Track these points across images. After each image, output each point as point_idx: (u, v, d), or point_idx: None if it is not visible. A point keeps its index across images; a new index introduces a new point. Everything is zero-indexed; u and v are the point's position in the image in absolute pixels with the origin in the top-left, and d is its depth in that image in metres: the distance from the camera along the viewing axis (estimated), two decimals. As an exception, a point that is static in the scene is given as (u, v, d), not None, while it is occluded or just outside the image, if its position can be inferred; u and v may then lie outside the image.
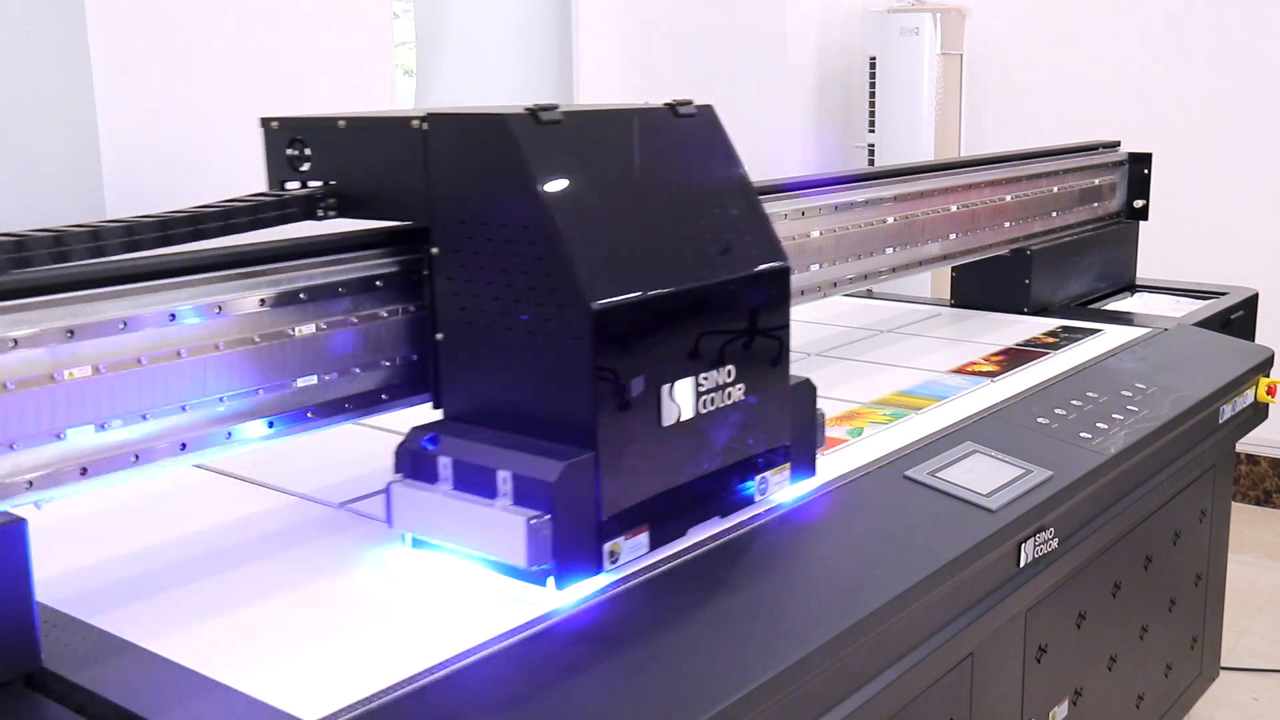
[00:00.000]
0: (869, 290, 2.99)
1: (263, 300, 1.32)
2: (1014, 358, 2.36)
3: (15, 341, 1.12)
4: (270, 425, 1.35)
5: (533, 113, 1.34)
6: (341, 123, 1.49)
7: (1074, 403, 2.05)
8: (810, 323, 2.39)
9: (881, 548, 1.51)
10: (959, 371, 2.26)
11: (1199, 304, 2.91)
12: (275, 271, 1.34)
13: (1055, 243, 2.81)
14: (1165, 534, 2.33)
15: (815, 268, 2.16)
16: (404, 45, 4.09)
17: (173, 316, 1.25)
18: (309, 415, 1.38)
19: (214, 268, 1.30)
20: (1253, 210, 4.28)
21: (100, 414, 1.20)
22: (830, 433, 1.84)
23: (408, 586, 1.34)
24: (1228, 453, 2.64)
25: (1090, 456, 1.87)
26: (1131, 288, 3.13)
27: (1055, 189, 2.84)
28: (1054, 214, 2.85)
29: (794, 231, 2.09)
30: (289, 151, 1.54)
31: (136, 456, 1.24)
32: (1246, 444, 3.88)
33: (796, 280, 2.06)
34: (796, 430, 1.56)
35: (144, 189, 2.72)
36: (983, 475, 1.72)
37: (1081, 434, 1.93)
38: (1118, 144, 3.15)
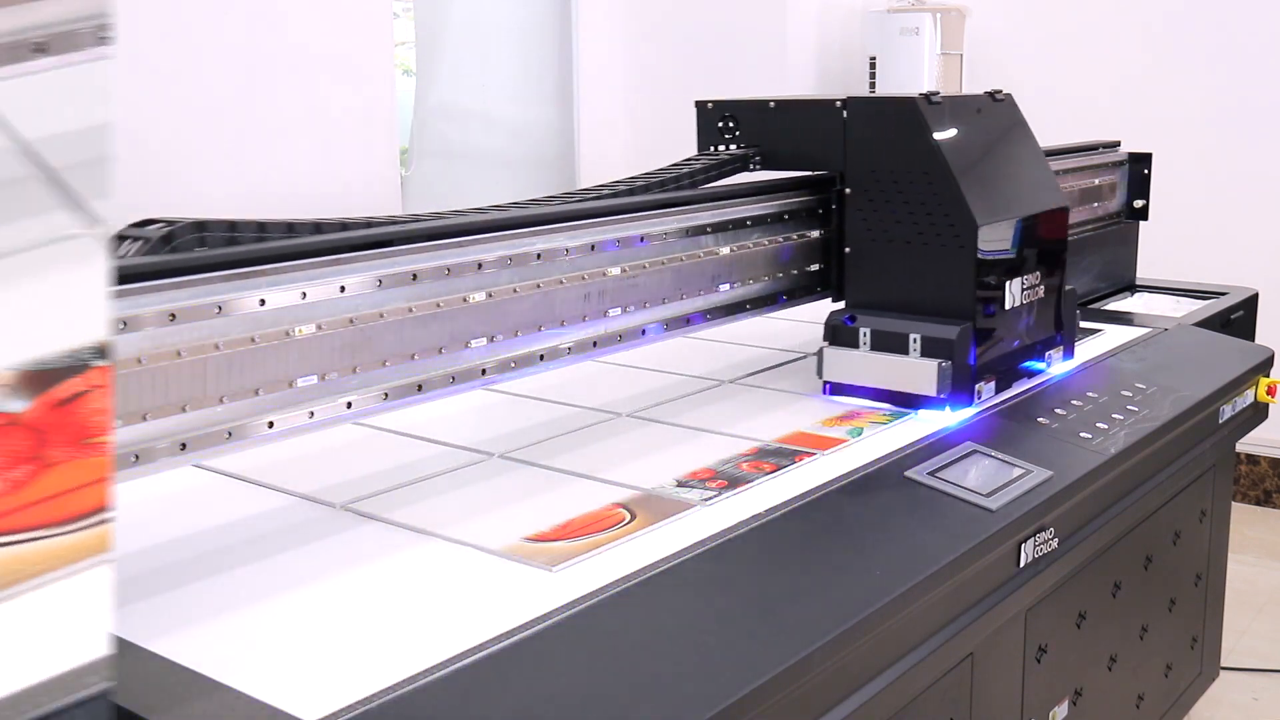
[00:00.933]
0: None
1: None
2: (1014, 358, 2.36)
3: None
4: (748, 307, 2.03)
5: (925, 97, 1.98)
6: (771, 104, 2.16)
7: (1074, 403, 2.05)
8: (809, 322, 2.39)
9: (881, 548, 1.51)
10: (959, 371, 2.27)
11: (1199, 304, 2.91)
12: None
13: (1055, 243, 2.81)
14: (1165, 534, 2.33)
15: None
16: (404, 45, 4.09)
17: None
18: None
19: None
20: (1253, 210, 4.28)
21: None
22: (829, 433, 1.85)
23: (407, 586, 1.34)
24: (1228, 453, 2.64)
25: (1090, 456, 1.87)
26: (1131, 288, 3.13)
27: (1055, 189, 2.83)
28: (1054, 214, 2.84)
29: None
30: (720, 124, 2.22)
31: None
32: (1246, 444, 3.88)
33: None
34: (1066, 324, 2.19)
35: (145, 188, 2.72)
36: (983, 475, 1.72)
37: (1081, 434, 1.93)
38: (1118, 144, 3.14)
